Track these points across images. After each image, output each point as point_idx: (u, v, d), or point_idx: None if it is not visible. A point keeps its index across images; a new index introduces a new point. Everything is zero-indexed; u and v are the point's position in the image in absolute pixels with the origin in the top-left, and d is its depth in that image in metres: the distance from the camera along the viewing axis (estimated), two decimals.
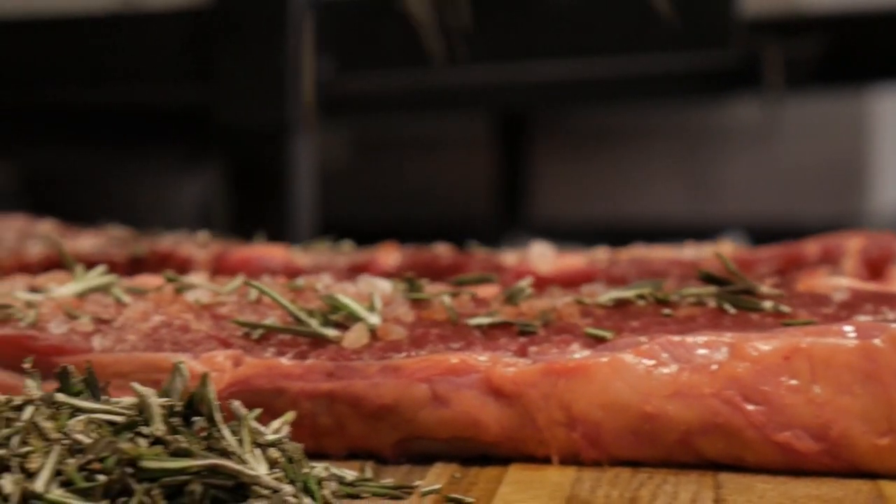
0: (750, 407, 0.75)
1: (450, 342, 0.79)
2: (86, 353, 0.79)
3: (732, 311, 0.80)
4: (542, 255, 1.08)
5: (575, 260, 1.08)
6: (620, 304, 0.83)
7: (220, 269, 1.10)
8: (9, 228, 1.21)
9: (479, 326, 0.81)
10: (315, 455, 0.79)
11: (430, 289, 0.87)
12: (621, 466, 0.77)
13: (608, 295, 0.83)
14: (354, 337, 0.80)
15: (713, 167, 3.11)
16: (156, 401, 0.66)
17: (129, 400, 0.68)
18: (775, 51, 2.05)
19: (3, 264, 1.15)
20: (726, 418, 0.75)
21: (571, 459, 0.78)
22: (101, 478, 0.63)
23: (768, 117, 2.61)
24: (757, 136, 3.03)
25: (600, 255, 1.10)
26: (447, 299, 0.84)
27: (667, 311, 0.81)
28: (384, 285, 0.87)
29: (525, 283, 0.88)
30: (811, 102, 2.88)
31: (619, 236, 3.18)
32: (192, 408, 0.68)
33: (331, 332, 0.80)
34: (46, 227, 1.23)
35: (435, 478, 0.76)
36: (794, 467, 0.75)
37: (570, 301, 0.83)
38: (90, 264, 1.10)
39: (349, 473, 0.72)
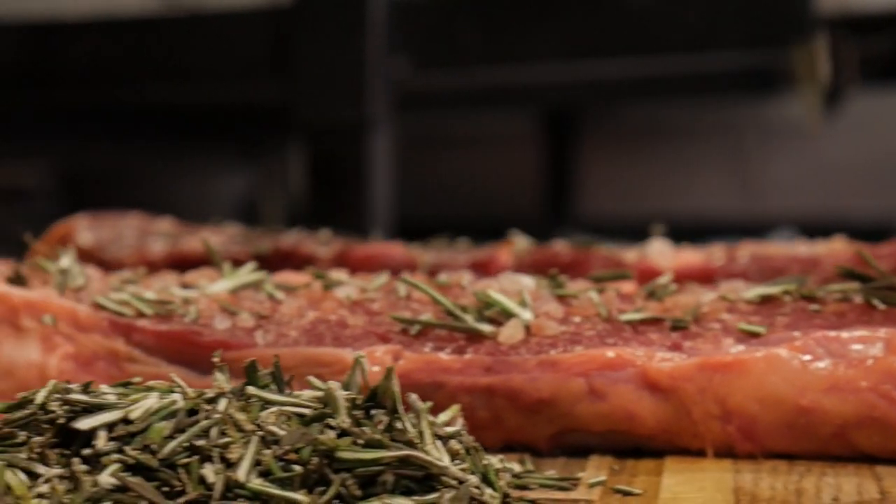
0: None
1: (604, 338, 0.81)
2: (249, 349, 0.81)
3: (882, 306, 0.81)
4: (662, 253, 1.10)
5: (693, 257, 1.10)
6: (766, 300, 0.84)
7: (342, 265, 1.12)
8: (127, 226, 1.23)
9: (629, 322, 0.83)
10: None
11: (573, 285, 0.89)
12: (776, 459, 0.79)
13: (754, 291, 0.85)
14: (510, 332, 0.81)
15: (760, 163, 3.11)
16: (341, 394, 0.68)
17: (311, 393, 0.70)
18: (851, 48, 2.06)
19: (125, 261, 1.18)
20: (883, 412, 0.76)
21: (725, 452, 0.79)
22: (297, 468, 0.65)
23: (830, 114, 2.61)
24: (804, 132, 3.03)
25: (716, 251, 1.11)
26: (594, 295, 0.86)
27: (814, 306, 0.82)
28: (528, 282, 0.89)
29: (665, 279, 0.90)
30: (860, 98, 2.88)
31: (667, 233, 3.19)
32: (373, 400, 0.70)
33: (486, 328, 0.82)
34: (165, 224, 1.25)
35: (595, 470, 0.77)
36: None
37: (715, 297, 0.85)
38: (212, 261, 1.13)
39: (515, 466, 0.74)
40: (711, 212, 3.14)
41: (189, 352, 0.81)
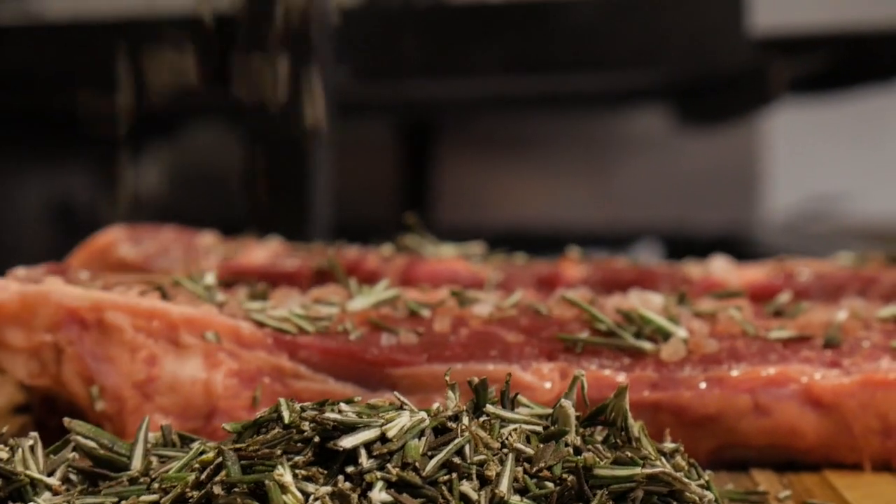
0: None
1: (763, 354, 0.83)
2: (419, 365, 0.81)
3: None
4: (727, 269, 1.12)
5: (756, 273, 1.12)
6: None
7: (408, 281, 1.12)
8: (171, 239, 1.20)
9: (779, 339, 0.85)
10: None
11: (699, 303, 0.91)
12: None
13: (888, 310, 0.88)
14: (672, 350, 0.83)
15: (615, 174, 3.18)
16: (573, 411, 0.69)
17: (536, 409, 0.70)
18: (780, 66, 2.12)
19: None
20: None
21: (882, 465, 0.82)
22: (550, 485, 0.65)
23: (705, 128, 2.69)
24: (655, 144, 3.12)
25: (771, 267, 1.14)
26: (736, 313, 0.88)
27: None
28: (658, 299, 0.91)
29: (785, 296, 0.93)
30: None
31: (523, 243, 3.24)
32: (595, 417, 0.71)
33: (647, 346, 0.83)
34: (209, 238, 1.22)
35: (767, 484, 0.79)
36: None
37: (848, 316, 0.88)
38: (269, 277, 1.12)
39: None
40: (569, 221, 3.19)
41: (358, 368, 0.81)
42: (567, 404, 0.69)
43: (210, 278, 0.87)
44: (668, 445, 0.71)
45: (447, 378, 0.70)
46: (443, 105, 2.78)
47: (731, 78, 2.18)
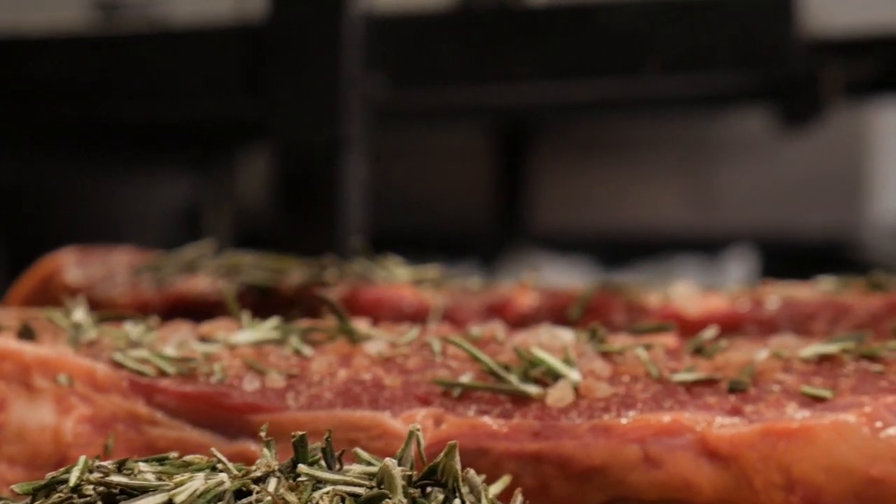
0: None
1: (659, 401, 0.76)
2: (282, 412, 0.76)
3: None
4: (688, 298, 1.05)
5: (719, 302, 1.05)
6: (824, 360, 0.80)
7: (352, 309, 1.07)
8: (118, 262, 1.17)
9: (683, 383, 0.78)
10: None
11: (614, 339, 0.84)
12: None
13: (810, 349, 0.81)
14: (559, 395, 0.77)
15: (712, 177, 3.10)
16: (398, 471, 0.63)
17: (361, 468, 0.65)
18: (834, 69, 2.03)
19: (117, 301, 1.12)
20: None
21: None
22: None
23: (800, 131, 2.59)
24: (757, 147, 3.02)
25: (740, 294, 1.07)
26: (642, 352, 0.81)
27: (877, 367, 0.78)
28: (568, 336, 0.84)
29: (710, 333, 0.86)
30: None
31: (620, 248, 3.16)
32: (429, 477, 0.65)
33: (532, 390, 0.77)
34: (151, 259, 1.18)
35: None
36: None
37: (768, 355, 0.81)
38: (211, 304, 1.08)
39: None
40: (664, 225, 3.12)
41: (216, 415, 0.76)
42: (391, 464, 0.63)
43: (79, 314, 0.83)
44: None
45: (262, 433, 0.65)
46: (538, 110, 2.73)
47: (787, 83, 2.09)
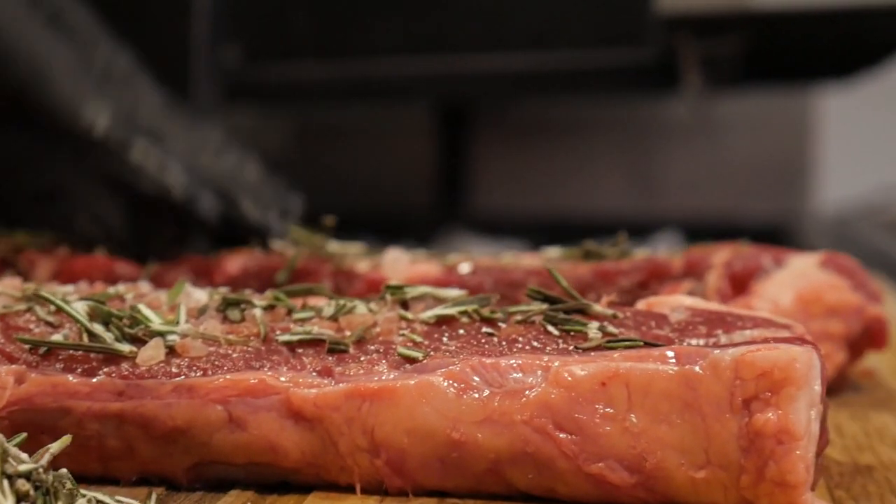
0: (562, 435, 0.69)
1: (251, 361, 0.74)
2: None
3: (555, 332, 0.74)
4: (396, 263, 1.03)
5: (431, 267, 1.03)
6: (443, 322, 0.77)
7: (68, 274, 1.05)
8: None
9: (287, 343, 0.75)
10: (104, 480, 0.74)
11: (257, 300, 0.82)
12: (427, 497, 0.72)
13: (432, 311, 0.78)
14: (150, 354, 0.74)
15: (654, 162, 3.07)
16: None
17: None
18: (692, 49, 2.00)
19: None
20: (537, 447, 0.70)
21: (375, 488, 0.72)
22: None
23: (693, 114, 2.57)
24: (699, 131, 3.00)
25: (458, 262, 1.05)
26: (259, 313, 0.78)
27: (488, 329, 0.76)
28: (199, 295, 0.82)
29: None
30: (754, 99, 2.85)
31: (558, 230, 3.13)
32: None
33: (125, 348, 0.74)
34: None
35: None
36: (607, 500, 0.70)
37: (392, 316, 0.78)
38: None
39: (130, 502, 0.66)
40: (604, 208, 3.09)
41: None
42: None
43: None
44: (24, 467, 0.62)
45: None
46: (478, 87, 2.69)
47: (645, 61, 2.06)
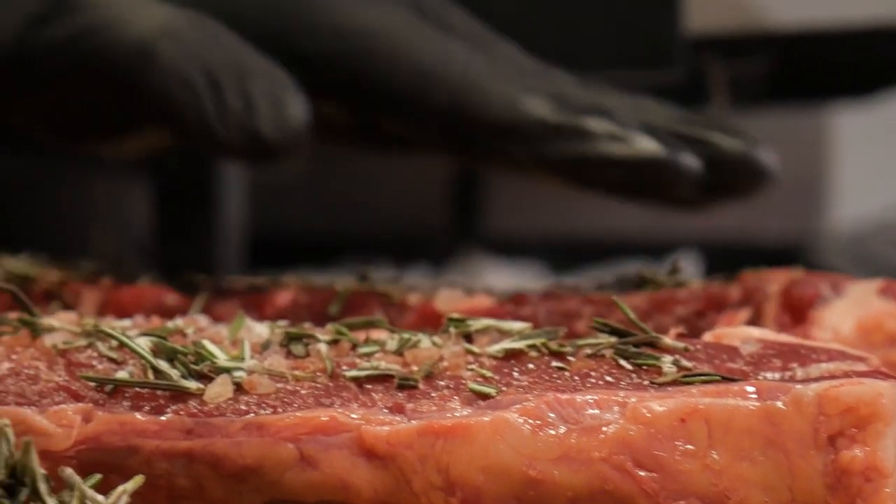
0: (642, 473, 0.68)
1: (321, 398, 0.73)
2: None
3: (628, 366, 0.73)
4: (449, 295, 1.02)
5: (482, 299, 1.02)
6: (511, 356, 0.76)
7: (113, 306, 1.04)
8: None
9: (355, 379, 0.74)
10: None
11: (320, 334, 0.81)
12: None
13: (499, 345, 0.77)
14: (217, 391, 0.73)
15: None
16: None
17: None
18: (720, 69, 1.99)
19: None
20: (616, 485, 0.69)
21: None
22: None
23: None
24: None
25: (509, 294, 1.04)
26: (324, 348, 0.77)
27: (558, 364, 0.75)
28: (260, 329, 0.81)
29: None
30: (769, 117, 2.83)
31: (571, 251, 3.11)
32: (17, 477, 0.61)
33: (192, 385, 0.73)
34: None
35: None
36: None
37: (457, 350, 0.77)
38: None
39: None
40: (616, 230, 3.08)
41: None
42: None
43: None
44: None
45: None
46: None
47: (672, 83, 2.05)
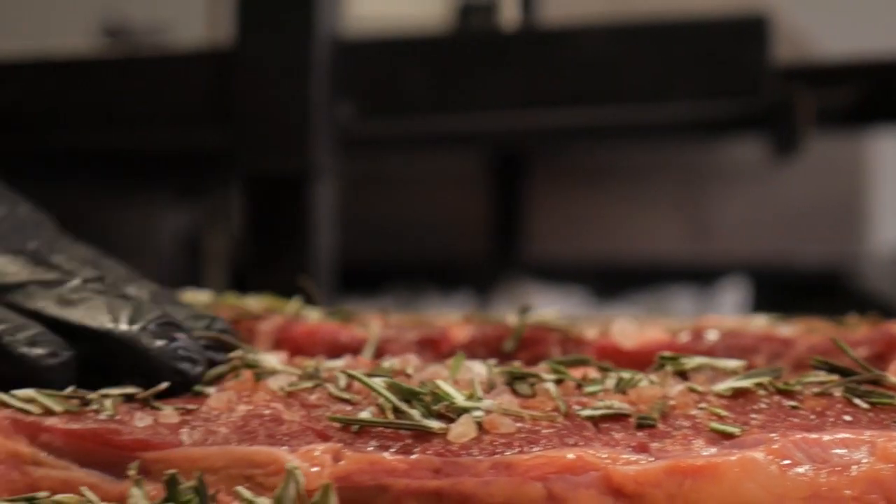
0: None
1: (563, 437, 0.74)
2: (174, 448, 0.73)
3: (864, 405, 0.75)
4: (625, 331, 1.03)
5: (658, 334, 1.03)
6: (739, 394, 0.77)
7: (282, 342, 1.05)
8: None
9: (590, 418, 0.76)
10: None
11: (543, 374, 0.82)
12: None
13: (725, 384, 0.78)
14: (461, 430, 0.74)
15: (711, 206, 3.07)
16: None
17: None
18: (808, 99, 2.01)
19: None
20: None
21: None
22: None
23: (786, 160, 2.56)
24: (755, 175, 2.99)
25: (683, 328, 1.05)
26: (552, 387, 0.79)
27: (791, 402, 0.76)
28: (480, 369, 0.82)
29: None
30: (810, 141, 2.85)
31: (614, 277, 3.12)
32: None
33: (435, 425, 0.75)
34: None
35: None
36: None
37: (682, 389, 0.78)
38: None
39: None
40: (661, 254, 3.09)
41: (104, 453, 0.73)
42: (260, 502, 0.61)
43: None
44: None
45: (131, 472, 0.63)
46: (534, 137, 2.70)
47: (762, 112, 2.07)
